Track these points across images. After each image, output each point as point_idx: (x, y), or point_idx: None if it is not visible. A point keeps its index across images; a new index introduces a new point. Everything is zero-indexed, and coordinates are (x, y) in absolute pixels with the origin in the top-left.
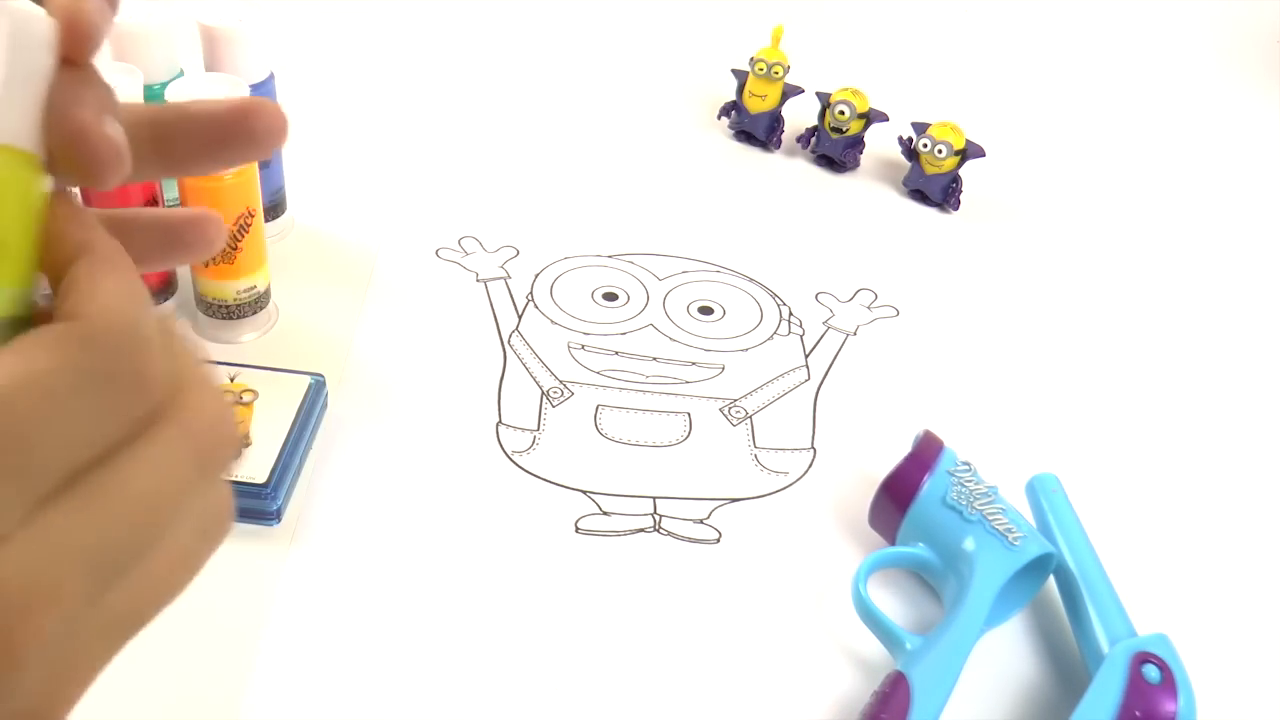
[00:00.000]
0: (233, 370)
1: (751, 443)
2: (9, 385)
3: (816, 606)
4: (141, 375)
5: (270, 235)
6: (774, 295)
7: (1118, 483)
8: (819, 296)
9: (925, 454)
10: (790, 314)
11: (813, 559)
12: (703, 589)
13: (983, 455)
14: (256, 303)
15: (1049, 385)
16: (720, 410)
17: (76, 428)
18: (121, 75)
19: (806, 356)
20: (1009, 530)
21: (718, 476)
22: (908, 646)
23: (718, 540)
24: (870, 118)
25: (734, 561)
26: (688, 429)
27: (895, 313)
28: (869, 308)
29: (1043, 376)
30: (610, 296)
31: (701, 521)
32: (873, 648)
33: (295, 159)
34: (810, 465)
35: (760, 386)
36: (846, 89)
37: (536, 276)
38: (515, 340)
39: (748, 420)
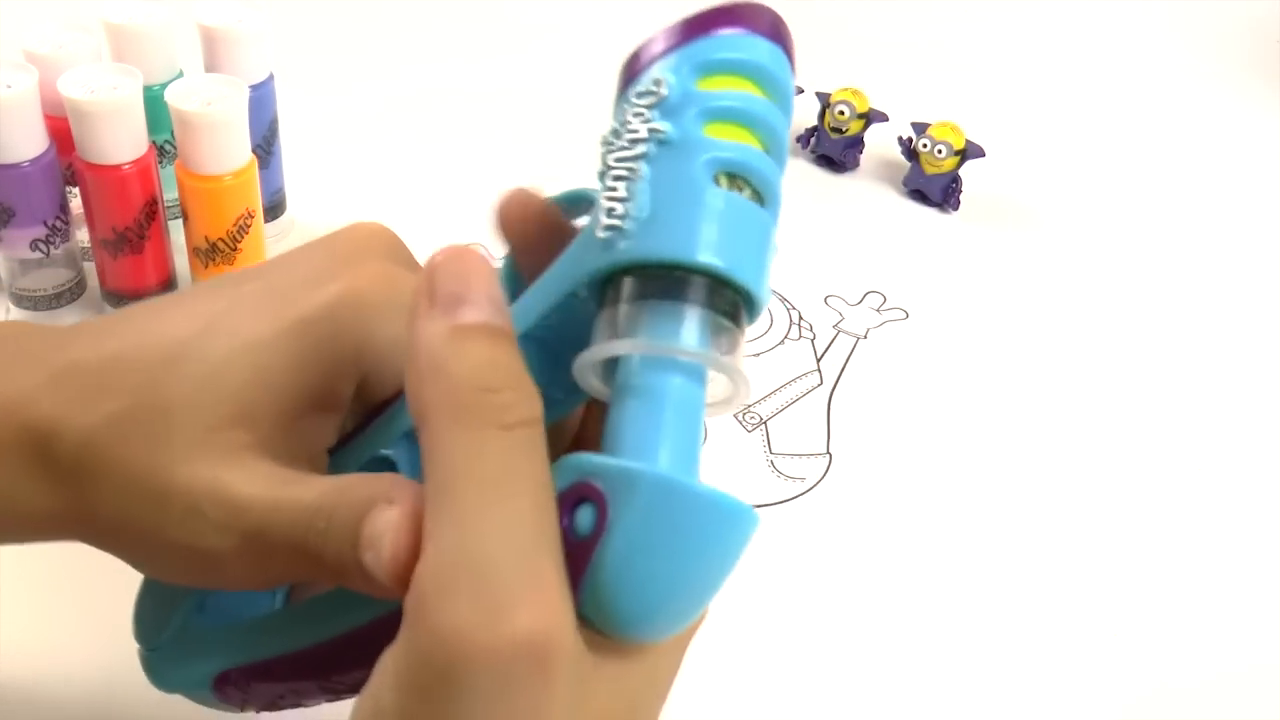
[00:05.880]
0: None
1: (767, 449)
2: None
3: (846, 614)
4: None
5: (270, 235)
6: (783, 299)
7: (1132, 480)
8: (828, 300)
9: None
10: (800, 318)
11: (837, 566)
12: (728, 596)
13: (999, 454)
14: None
15: (1062, 383)
16: (734, 416)
17: None
18: (121, 76)
19: (818, 360)
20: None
21: (735, 483)
22: None
23: None
24: (870, 118)
25: (758, 569)
26: (703, 435)
27: (905, 315)
28: (879, 310)
29: (1054, 375)
30: None
31: None
32: (911, 655)
33: (295, 159)
34: (826, 471)
35: (773, 392)
36: (846, 89)
37: None
38: None
39: (762, 426)
